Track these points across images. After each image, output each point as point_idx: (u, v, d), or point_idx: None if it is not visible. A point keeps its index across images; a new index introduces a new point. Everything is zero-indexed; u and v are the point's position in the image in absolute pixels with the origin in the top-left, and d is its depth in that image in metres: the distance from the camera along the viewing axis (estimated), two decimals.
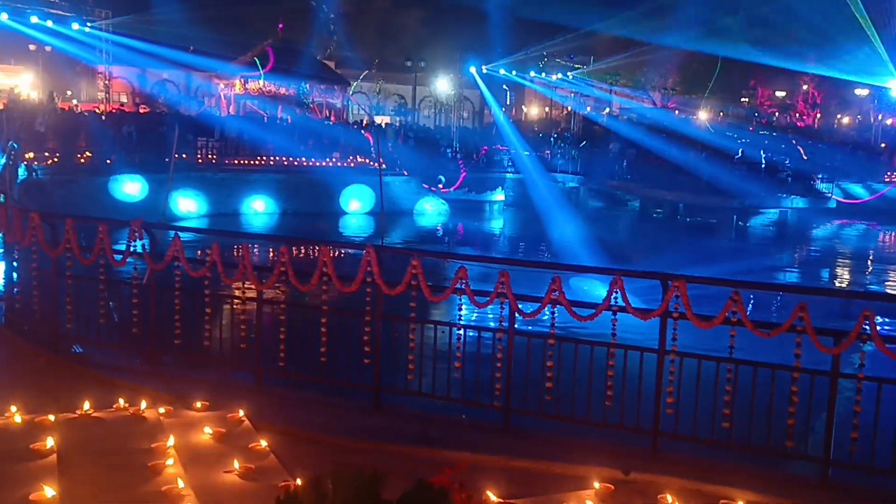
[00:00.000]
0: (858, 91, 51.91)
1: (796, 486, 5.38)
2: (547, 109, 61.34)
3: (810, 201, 33.85)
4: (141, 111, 40.45)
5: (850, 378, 5.40)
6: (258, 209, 30.95)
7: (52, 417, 5.43)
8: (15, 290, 8.57)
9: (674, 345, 5.76)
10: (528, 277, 6.64)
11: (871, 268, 28.52)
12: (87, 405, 5.65)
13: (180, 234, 7.02)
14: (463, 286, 6.16)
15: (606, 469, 5.24)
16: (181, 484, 4.50)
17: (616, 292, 5.77)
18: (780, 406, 5.57)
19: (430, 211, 34.28)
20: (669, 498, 4.77)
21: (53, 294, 7.70)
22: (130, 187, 26.87)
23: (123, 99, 46.59)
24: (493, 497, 4.58)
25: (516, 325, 6.27)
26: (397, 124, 47.62)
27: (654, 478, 5.18)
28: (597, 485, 4.92)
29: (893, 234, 36.05)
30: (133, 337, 7.52)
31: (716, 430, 5.76)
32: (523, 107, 62.65)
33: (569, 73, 54.87)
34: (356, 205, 32.14)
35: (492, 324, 6.45)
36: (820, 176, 36.52)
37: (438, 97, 56.67)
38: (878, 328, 5.25)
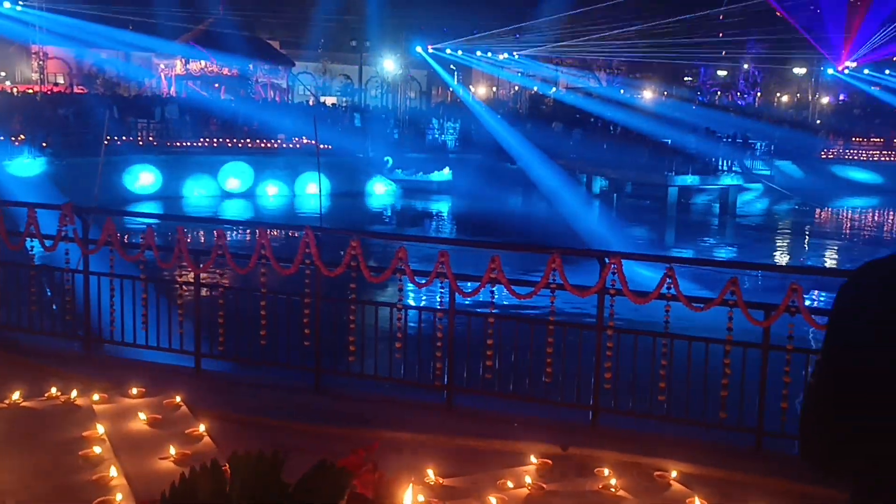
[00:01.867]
0: (797, 69, 53.06)
1: (730, 457, 5.51)
2: (494, 89, 61.40)
3: (746, 179, 34.60)
4: (77, 92, 39.31)
5: (780, 350, 5.52)
6: (203, 192, 30.51)
7: None
8: None
9: (611, 321, 5.83)
10: (471, 257, 6.66)
11: (806, 243, 29.36)
12: (16, 395, 5.49)
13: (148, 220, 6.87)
14: (403, 267, 6.15)
15: (545, 445, 5.29)
16: (113, 472, 4.41)
17: (554, 270, 5.82)
18: (715, 379, 5.69)
19: (380, 192, 34.14)
20: (606, 471, 4.84)
21: None
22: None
23: (60, 80, 45.25)
24: (432, 475, 4.59)
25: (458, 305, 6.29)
26: (344, 104, 47.16)
27: (591, 452, 5.25)
28: (535, 460, 4.97)
29: (823, 210, 37.19)
30: (67, 324, 7.34)
31: (653, 404, 5.86)
32: (471, 87, 62.57)
33: (515, 54, 54.91)
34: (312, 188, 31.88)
35: (426, 301, 6.46)
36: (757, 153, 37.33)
37: (385, 77, 56.23)
38: (814, 302, 5.40)
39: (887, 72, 51.34)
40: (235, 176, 31.32)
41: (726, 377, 5.60)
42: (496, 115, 43.84)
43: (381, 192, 33.82)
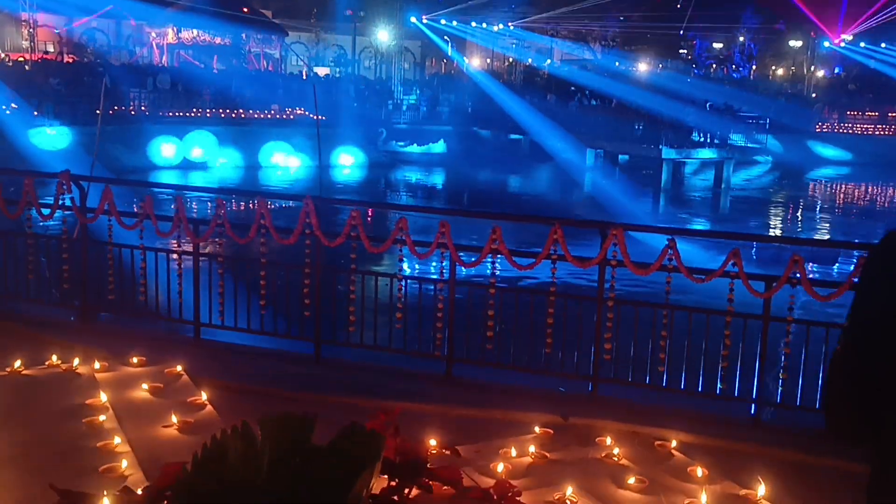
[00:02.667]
0: (793, 42, 52.82)
1: (728, 427, 5.55)
2: (488, 60, 60.97)
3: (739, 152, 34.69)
4: (68, 60, 38.84)
5: (781, 321, 5.55)
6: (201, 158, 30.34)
7: None
8: None
9: (612, 292, 5.83)
10: (470, 228, 6.65)
11: (800, 215, 29.48)
12: (17, 363, 5.48)
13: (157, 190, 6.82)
14: (403, 237, 6.13)
15: (546, 415, 5.32)
16: (118, 440, 4.42)
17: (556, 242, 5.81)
18: (715, 350, 5.72)
19: (347, 164, 33.46)
20: (608, 440, 4.87)
21: None
22: (55, 138, 25.94)
23: (50, 48, 44.68)
24: (434, 444, 4.61)
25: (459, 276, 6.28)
26: (337, 75, 46.79)
27: (592, 422, 5.28)
28: (537, 429, 5.00)
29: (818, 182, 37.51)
30: (65, 293, 7.32)
31: (653, 375, 5.89)
32: (465, 58, 62.10)
33: (510, 24, 54.50)
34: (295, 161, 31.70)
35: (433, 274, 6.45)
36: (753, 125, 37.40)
37: (378, 48, 55.74)
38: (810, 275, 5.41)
39: (883, 45, 51.16)
40: (202, 145, 30.90)
41: (726, 348, 5.63)
42: (501, 84, 43.50)
43: (347, 163, 32.93)
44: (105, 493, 2.40)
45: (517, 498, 1.47)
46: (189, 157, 30.30)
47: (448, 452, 3.20)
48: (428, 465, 1.59)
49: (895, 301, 1.42)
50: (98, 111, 18.43)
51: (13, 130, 24.50)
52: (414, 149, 35.87)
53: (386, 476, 1.58)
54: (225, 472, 1.27)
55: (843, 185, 38.09)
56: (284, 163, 31.38)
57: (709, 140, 33.30)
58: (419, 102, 39.06)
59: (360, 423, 1.35)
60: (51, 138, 25.70)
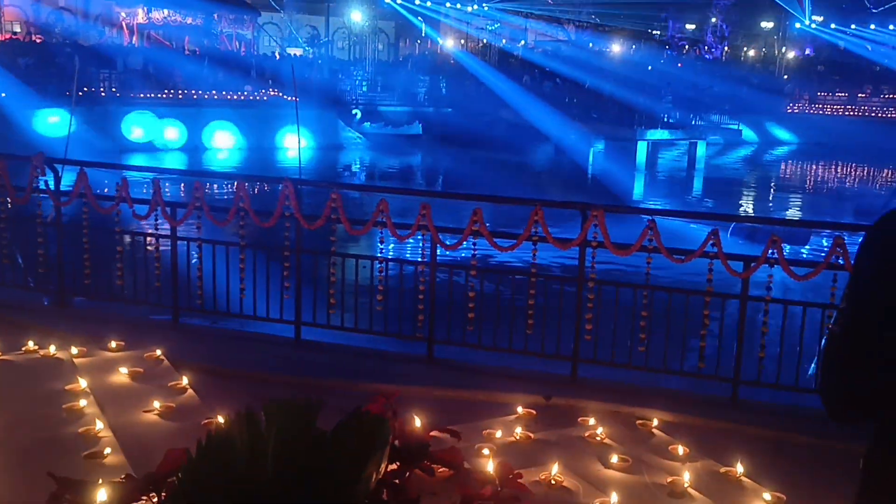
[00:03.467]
0: (764, 24, 53.13)
1: (708, 406, 5.62)
2: (462, 41, 60.69)
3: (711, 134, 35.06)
4: (36, 41, 38.06)
5: (759, 301, 5.61)
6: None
7: None
8: None
9: (592, 273, 5.86)
10: (450, 209, 6.64)
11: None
12: None
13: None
14: (384, 219, 6.11)
15: (529, 395, 5.34)
16: (99, 425, 4.36)
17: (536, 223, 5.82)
18: (694, 329, 5.78)
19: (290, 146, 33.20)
20: (591, 420, 4.90)
21: None
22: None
23: (17, 28, 43.74)
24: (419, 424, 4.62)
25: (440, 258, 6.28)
26: (310, 56, 46.35)
27: (575, 402, 5.31)
28: (520, 410, 5.01)
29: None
30: (40, 277, 7.22)
31: (633, 355, 5.94)
32: (439, 39, 61.76)
33: (484, 5, 54.24)
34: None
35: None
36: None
37: (352, 29, 55.26)
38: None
39: (853, 26, 51.65)
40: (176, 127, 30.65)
41: (705, 328, 5.69)
42: (486, 64, 43.38)
43: (217, 143, 32.04)
44: (101, 480, 2.38)
45: (518, 480, 1.47)
46: (162, 139, 29.97)
47: (447, 435, 3.20)
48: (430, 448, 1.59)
49: (890, 283, 1.44)
50: (68, 93, 18.09)
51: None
52: (389, 130, 35.68)
53: (386, 460, 1.58)
54: (231, 459, 1.26)
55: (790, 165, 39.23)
56: (231, 144, 31.15)
57: (682, 122, 33.56)
58: (392, 83, 38.83)
59: (364, 408, 1.34)
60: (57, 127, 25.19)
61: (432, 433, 1.60)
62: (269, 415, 1.34)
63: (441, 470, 1.50)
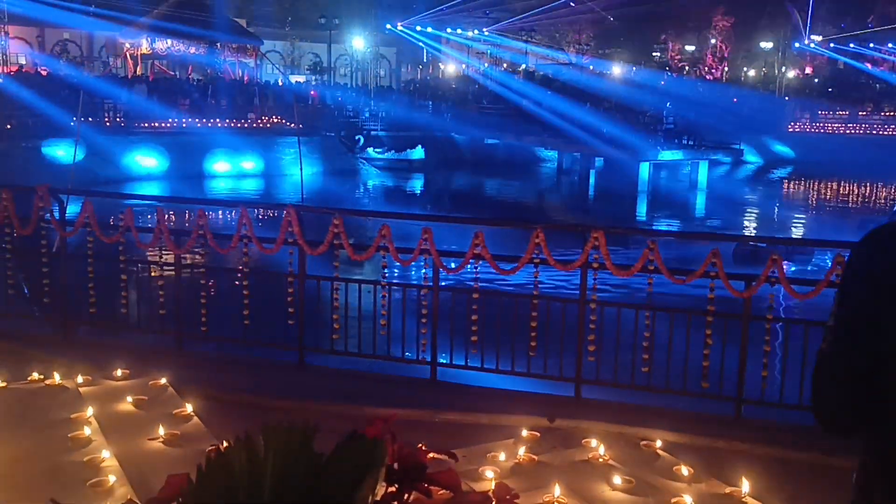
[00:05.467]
0: (764, 44, 53.40)
1: (711, 425, 5.62)
2: (463, 66, 61.07)
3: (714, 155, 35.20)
4: (42, 73, 38.41)
5: (761, 320, 5.62)
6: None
7: None
8: None
9: (594, 294, 5.88)
10: (453, 233, 6.68)
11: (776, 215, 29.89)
12: None
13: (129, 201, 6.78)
14: (386, 244, 6.15)
15: (532, 417, 5.35)
16: (105, 454, 4.38)
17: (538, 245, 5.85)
18: (696, 349, 5.78)
19: (222, 171, 32.86)
20: (594, 441, 4.90)
21: None
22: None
23: (22, 60, 44.16)
24: (425, 449, 4.63)
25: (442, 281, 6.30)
26: (313, 83, 46.68)
27: (578, 423, 5.31)
28: (524, 432, 5.02)
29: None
30: (45, 306, 7.26)
31: (636, 376, 5.94)
32: (440, 64, 62.21)
33: (485, 30, 54.65)
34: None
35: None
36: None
37: (354, 55, 55.69)
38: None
39: (851, 45, 51.89)
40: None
41: (707, 347, 5.70)
42: (480, 88, 43.65)
43: (222, 170, 31.60)
44: None
45: (516, 501, 1.49)
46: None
47: (445, 457, 3.21)
48: (428, 470, 1.61)
49: (877, 299, 1.46)
50: (73, 121, 18.24)
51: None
52: (392, 155, 35.84)
53: (385, 482, 1.60)
54: (230, 483, 1.29)
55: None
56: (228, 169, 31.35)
57: (687, 142, 33.64)
58: (396, 108, 39.05)
59: (360, 431, 1.37)
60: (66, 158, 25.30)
61: (430, 455, 1.61)
62: (267, 439, 1.36)
63: (440, 492, 1.51)
